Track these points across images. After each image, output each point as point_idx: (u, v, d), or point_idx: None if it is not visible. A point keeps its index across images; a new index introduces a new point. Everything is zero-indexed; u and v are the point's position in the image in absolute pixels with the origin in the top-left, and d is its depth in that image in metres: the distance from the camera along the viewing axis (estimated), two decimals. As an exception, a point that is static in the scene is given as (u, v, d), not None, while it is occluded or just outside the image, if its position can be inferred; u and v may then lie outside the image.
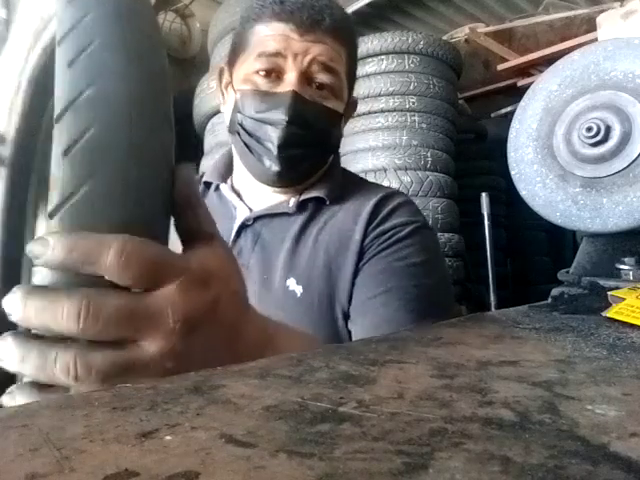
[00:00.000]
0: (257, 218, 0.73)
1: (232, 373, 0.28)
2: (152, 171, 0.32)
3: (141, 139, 0.31)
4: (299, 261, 0.69)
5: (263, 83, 0.67)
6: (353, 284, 0.67)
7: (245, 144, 0.69)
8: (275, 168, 0.67)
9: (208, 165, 0.80)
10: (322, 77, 0.68)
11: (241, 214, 0.74)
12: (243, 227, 0.73)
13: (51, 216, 0.29)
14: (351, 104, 0.79)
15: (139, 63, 0.32)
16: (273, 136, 0.65)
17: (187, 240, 0.32)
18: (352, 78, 0.77)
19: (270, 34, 0.68)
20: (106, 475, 0.16)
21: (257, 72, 0.67)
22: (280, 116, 0.65)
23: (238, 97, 0.69)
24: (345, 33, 0.71)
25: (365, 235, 0.69)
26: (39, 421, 0.21)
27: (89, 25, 0.31)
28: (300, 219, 0.72)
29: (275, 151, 0.66)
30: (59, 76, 0.30)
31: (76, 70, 0.30)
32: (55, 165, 0.29)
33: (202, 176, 0.81)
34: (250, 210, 0.74)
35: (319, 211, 0.73)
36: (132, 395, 0.24)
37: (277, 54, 0.66)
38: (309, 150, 0.69)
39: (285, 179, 0.70)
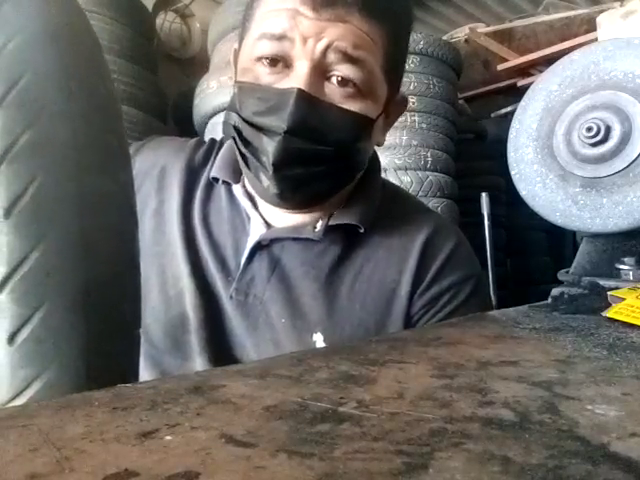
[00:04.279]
0: (275, 239, 0.58)
1: (232, 373, 0.28)
2: (113, 220, 0.27)
3: (95, 185, 0.26)
4: (329, 313, 0.56)
5: (266, 74, 0.51)
6: None
7: (242, 154, 0.54)
8: (274, 190, 0.52)
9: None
10: (342, 69, 0.50)
11: (256, 229, 0.59)
12: (258, 247, 0.58)
13: None
14: (397, 103, 0.60)
15: (82, 94, 0.26)
16: (268, 150, 0.50)
17: None
18: (396, 69, 0.58)
19: (274, 9, 0.50)
20: (106, 475, 0.16)
21: (259, 59, 0.52)
22: (278, 123, 0.49)
23: (235, 92, 0.54)
24: (383, 8, 0.52)
25: (414, 292, 0.57)
26: (39, 421, 0.21)
27: (16, 53, 0.25)
28: (330, 253, 0.58)
29: (270, 169, 0.50)
30: None
31: (8, 111, 0.24)
32: None
33: (214, 153, 0.66)
34: (266, 224, 0.59)
35: (353, 244, 0.59)
36: (132, 395, 0.24)
37: (282, 37, 0.49)
38: (320, 169, 0.53)
39: (290, 203, 0.56)
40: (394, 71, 0.57)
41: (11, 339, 0.25)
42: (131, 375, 0.30)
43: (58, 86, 0.25)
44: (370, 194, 0.62)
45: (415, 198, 0.76)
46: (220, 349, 0.56)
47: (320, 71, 0.50)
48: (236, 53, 0.58)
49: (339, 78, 0.51)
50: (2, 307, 0.24)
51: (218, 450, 0.18)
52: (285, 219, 0.59)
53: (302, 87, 0.49)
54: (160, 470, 0.17)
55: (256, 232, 0.59)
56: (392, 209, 0.63)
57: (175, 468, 0.17)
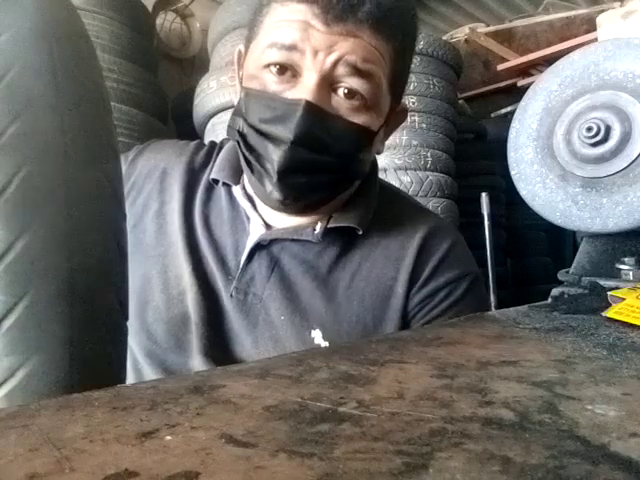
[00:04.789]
0: (274, 239, 0.59)
1: (232, 373, 0.28)
2: (99, 210, 0.28)
3: (81, 176, 0.26)
4: (327, 310, 0.57)
5: (274, 82, 0.52)
6: None
7: (245, 159, 0.55)
8: (277, 196, 0.53)
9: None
10: (351, 82, 0.51)
11: (255, 229, 0.60)
12: (257, 248, 0.59)
13: None
14: (398, 114, 0.62)
15: (70, 89, 0.27)
16: (274, 158, 0.51)
17: None
18: (399, 82, 0.59)
19: (286, 19, 0.51)
20: (106, 475, 0.16)
21: (267, 66, 0.52)
22: (285, 133, 0.50)
23: (242, 96, 0.55)
24: (393, 24, 0.53)
25: (410, 289, 0.59)
26: (39, 421, 0.21)
27: (4, 48, 0.26)
28: (328, 253, 0.59)
29: (275, 177, 0.51)
30: None
31: None
32: None
33: (214, 155, 0.67)
34: (266, 225, 0.60)
35: (351, 245, 0.60)
36: (132, 395, 0.24)
37: (292, 47, 0.50)
38: (322, 178, 0.54)
39: (292, 208, 0.57)
40: (398, 85, 0.59)
41: None
42: (116, 365, 0.30)
43: (45, 80, 0.26)
44: (368, 197, 0.63)
45: (413, 199, 0.76)
46: (220, 347, 0.57)
47: (327, 83, 0.51)
48: (241, 55, 0.59)
49: (346, 90, 0.52)
50: None
51: (218, 450, 0.18)
52: (284, 221, 0.61)
53: (310, 99, 0.50)
54: (160, 470, 0.17)
55: (256, 232, 0.60)
56: (390, 210, 0.64)
57: (175, 468, 0.17)
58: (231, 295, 0.58)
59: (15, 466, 0.17)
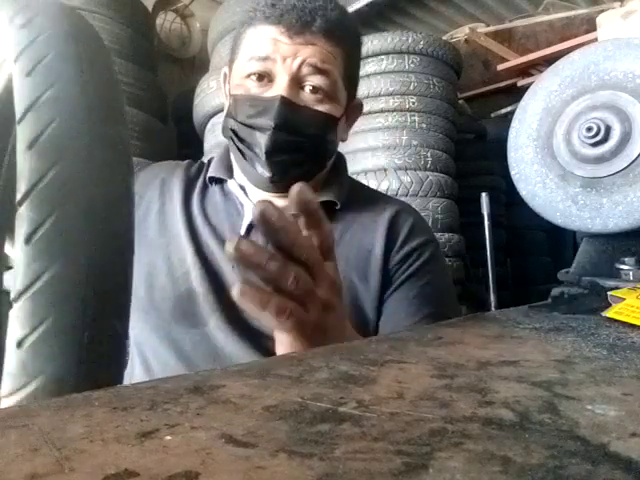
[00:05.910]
0: None
1: (232, 373, 0.28)
2: (114, 155, 0.36)
3: (99, 129, 0.35)
4: None
5: (254, 87, 0.67)
6: (380, 302, 0.69)
7: (238, 149, 0.70)
8: (266, 174, 0.67)
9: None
10: (313, 79, 0.66)
11: (249, 212, 0.72)
12: (252, 226, 0.71)
13: (20, 204, 0.31)
14: (354, 107, 0.78)
15: (91, 71, 0.37)
16: (261, 142, 0.65)
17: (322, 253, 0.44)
18: (352, 79, 0.75)
19: (260, 38, 0.68)
20: (106, 475, 0.16)
21: (249, 76, 0.68)
22: (267, 122, 0.64)
23: (230, 102, 0.70)
24: (340, 33, 0.69)
25: (387, 253, 0.71)
26: (39, 421, 0.21)
27: (44, 42, 0.36)
28: None
29: (263, 157, 0.65)
30: (18, 85, 0.34)
31: (34, 77, 0.34)
32: (21, 159, 0.32)
33: (205, 167, 0.81)
34: None
35: (332, 219, 0.72)
36: (132, 395, 0.24)
37: (267, 58, 0.66)
38: (300, 155, 0.68)
39: (278, 185, 0.69)
40: (351, 80, 0.74)
41: (27, 240, 0.31)
42: (124, 288, 0.35)
43: (72, 63, 0.35)
44: (340, 179, 0.78)
45: (377, 190, 0.93)
46: (229, 310, 0.67)
47: (296, 82, 0.66)
48: (226, 76, 0.76)
49: (311, 87, 0.67)
50: (22, 215, 0.31)
51: (218, 450, 0.18)
52: (273, 202, 0.70)
53: (284, 94, 0.64)
54: (160, 470, 0.17)
55: (250, 214, 0.71)
56: (360, 196, 0.78)
57: (175, 468, 0.17)
58: (233, 266, 0.68)
59: (15, 466, 0.17)
